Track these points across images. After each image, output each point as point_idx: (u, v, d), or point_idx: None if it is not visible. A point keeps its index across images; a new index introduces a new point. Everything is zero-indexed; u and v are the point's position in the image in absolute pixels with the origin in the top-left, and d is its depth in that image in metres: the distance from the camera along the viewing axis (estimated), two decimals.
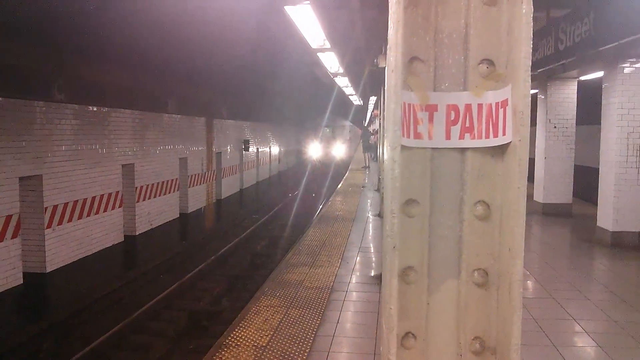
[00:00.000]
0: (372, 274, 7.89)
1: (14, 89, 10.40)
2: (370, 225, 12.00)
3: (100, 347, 8.90)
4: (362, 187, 19.82)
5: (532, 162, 14.52)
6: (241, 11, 6.51)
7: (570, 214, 13.07)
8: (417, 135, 1.65)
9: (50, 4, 7.70)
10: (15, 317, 10.37)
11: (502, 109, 1.61)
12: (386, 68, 1.69)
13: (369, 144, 30.28)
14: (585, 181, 13.32)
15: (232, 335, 5.32)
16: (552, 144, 13.10)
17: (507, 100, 1.61)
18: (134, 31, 10.12)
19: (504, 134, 1.61)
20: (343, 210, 14.21)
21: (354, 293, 6.98)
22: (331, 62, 9.94)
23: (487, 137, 1.64)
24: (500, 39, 1.61)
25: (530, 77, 1.54)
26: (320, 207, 18.12)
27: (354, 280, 7.55)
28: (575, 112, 13.08)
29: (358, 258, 8.85)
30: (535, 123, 13.83)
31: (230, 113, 24.86)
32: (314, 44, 7.57)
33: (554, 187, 13.15)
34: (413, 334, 1.71)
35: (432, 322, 1.71)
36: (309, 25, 6.45)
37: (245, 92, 24.34)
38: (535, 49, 9.77)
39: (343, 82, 17.70)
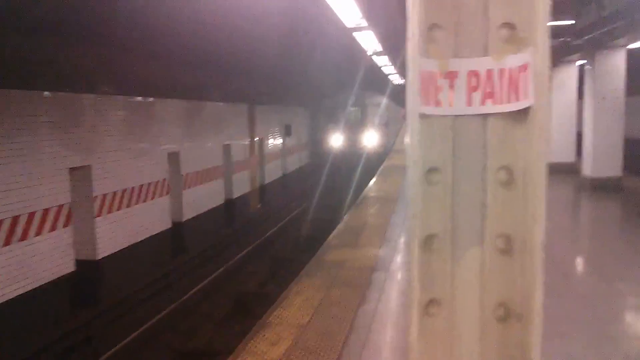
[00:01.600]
0: None
1: (62, 84, 10.79)
2: None
3: (151, 329, 9.24)
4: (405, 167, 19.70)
5: (580, 135, 14.05)
6: None
7: (621, 187, 12.61)
8: (438, 103, 1.65)
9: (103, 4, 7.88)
10: (69, 302, 10.87)
11: (524, 72, 1.59)
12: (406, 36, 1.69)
13: None
14: (636, 154, 12.81)
15: (274, 314, 5.44)
16: (601, 116, 12.63)
17: (528, 64, 1.58)
18: (177, 25, 10.32)
19: (525, 98, 1.59)
20: (385, 191, 14.16)
21: (395, 273, 6.98)
22: (368, 41, 9.86)
23: (509, 102, 1.62)
24: (521, 1, 1.59)
25: (549, 39, 1.51)
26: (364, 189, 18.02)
27: (395, 260, 7.55)
28: (625, 82, 12.56)
29: (401, 239, 8.83)
30: (582, 95, 13.36)
31: (271, 98, 25.05)
32: (349, 24, 7.55)
33: (602, 161, 12.69)
34: (437, 301, 1.73)
35: (456, 290, 1.72)
36: (344, 4, 6.44)
37: (285, 77, 24.45)
38: (578, 16, 9.40)
39: (382, 61, 17.51)
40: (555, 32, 12.14)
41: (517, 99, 1.61)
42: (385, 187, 14.85)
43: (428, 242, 1.70)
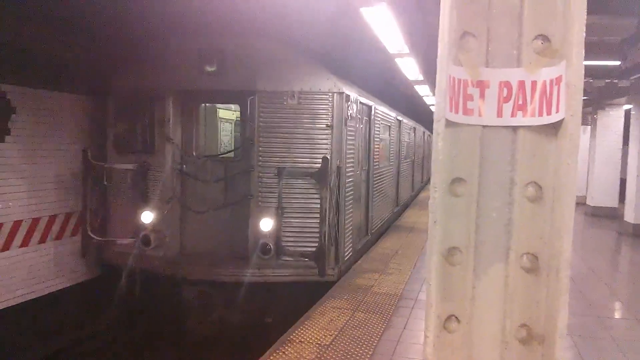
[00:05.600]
0: None
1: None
2: None
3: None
4: None
5: (623, 182, 13.64)
6: (316, 14, 6.66)
7: None
8: (467, 112, 1.61)
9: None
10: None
11: (557, 85, 1.55)
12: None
13: None
14: None
15: (295, 332, 5.37)
16: None
17: (561, 76, 1.54)
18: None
19: (557, 112, 1.55)
20: (419, 221, 13.99)
21: (423, 302, 6.83)
22: (410, 68, 9.85)
23: (541, 115, 1.57)
24: (556, 13, 1.55)
25: (583, 51, 1.47)
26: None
27: (424, 289, 7.39)
28: None
29: None
30: (628, 141, 13.01)
31: None
32: (392, 49, 7.56)
33: None
34: (457, 317, 1.67)
35: (477, 307, 1.66)
36: (386, 29, 6.47)
37: None
38: (624, 58, 9.18)
39: (423, 91, 17.41)
40: (601, 73, 11.88)
41: (549, 113, 1.57)
42: (420, 218, 14.67)
43: (449, 254, 1.65)
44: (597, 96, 15.02)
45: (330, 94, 7.11)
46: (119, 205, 7.67)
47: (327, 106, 7.11)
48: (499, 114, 1.60)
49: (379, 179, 10.99)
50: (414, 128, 18.60)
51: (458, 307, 1.65)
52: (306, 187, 7.04)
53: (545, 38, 1.57)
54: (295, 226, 7.14)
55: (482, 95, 1.60)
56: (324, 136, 7.11)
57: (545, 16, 1.57)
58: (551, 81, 1.55)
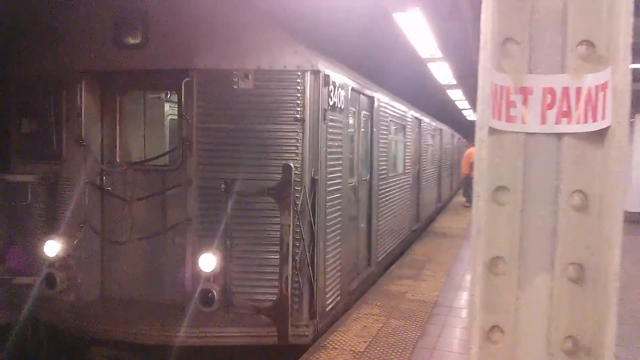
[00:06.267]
0: None
1: None
2: None
3: None
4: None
5: None
6: (352, 15, 6.53)
7: None
8: (510, 119, 1.59)
9: None
10: None
11: (602, 92, 1.52)
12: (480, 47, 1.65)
13: None
14: None
15: (330, 338, 5.37)
16: None
17: (607, 82, 1.51)
18: None
19: (603, 118, 1.51)
20: (453, 227, 13.83)
21: (459, 309, 6.74)
22: (443, 73, 9.78)
23: (586, 121, 1.54)
24: (601, 18, 1.52)
25: (630, 55, 1.44)
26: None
27: (459, 296, 7.30)
28: None
29: (466, 276, 8.55)
30: None
31: None
32: (424, 54, 7.52)
33: None
34: (500, 328, 1.64)
35: (521, 317, 1.63)
36: (419, 34, 6.41)
37: None
38: None
39: (456, 95, 17.28)
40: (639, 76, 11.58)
41: (595, 119, 1.54)
42: (452, 224, 14.51)
43: (493, 264, 1.63)
44: (634, 99, 14.62)
45: (299, 73, 5.00)
46: (19, 230, 5.75)
47: (296, 91, 5.03)
48: (543, 121, 1.58)
49: (388, 192, 8.63)
50: (441, 130, 16.05)
51: (502, 318, 1.63)
52: (266, 209, 4.99)
53: (589, 43, 1.54)
54: (250, 264, 5.07)
55: (525, 102, 1.58)
56: (292, 134, 5.06)
57: (590, 21, 1.54)
58: (597, 87, 1.52)
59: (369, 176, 7.45)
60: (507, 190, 1.59)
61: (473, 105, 23.93)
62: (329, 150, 5.55)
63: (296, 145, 5.05)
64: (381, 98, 7.83)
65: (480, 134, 1.56)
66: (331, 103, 5.50)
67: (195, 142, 5.07)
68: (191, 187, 5.08)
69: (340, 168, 5.98)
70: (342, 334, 5.54)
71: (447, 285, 7.84)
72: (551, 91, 1.56)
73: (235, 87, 5.00)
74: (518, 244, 1.62)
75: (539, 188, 1.60)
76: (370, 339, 5.41)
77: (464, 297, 7.29)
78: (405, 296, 7.12)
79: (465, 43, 8.93)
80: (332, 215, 5.83)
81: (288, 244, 4.71)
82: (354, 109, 6.53)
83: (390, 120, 8.55)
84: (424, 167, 12.51)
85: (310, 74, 5.04)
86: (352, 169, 6.70)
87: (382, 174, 8.03)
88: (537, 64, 1.58)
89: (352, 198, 6.73)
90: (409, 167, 10.39)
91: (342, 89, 5.89)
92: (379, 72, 8.74)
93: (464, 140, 23.56)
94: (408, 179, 10.32)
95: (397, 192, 9.31)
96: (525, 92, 1.57)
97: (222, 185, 4.84)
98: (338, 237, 6.06)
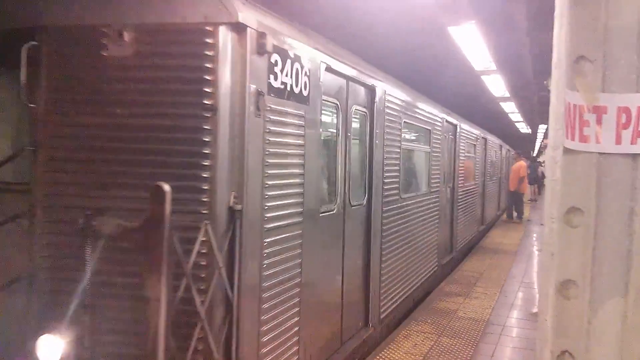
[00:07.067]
0: (534, 311, 7.35)
1: None
2: (535, 260, 11.22)
3: None
4: (528, 220, 18.58)
5: None
6: (404, 31, 6.44)
7: None
8: (583, 139, 1.55)
9: None
10: None
11: None
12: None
13: (536, 175, 28.53)
14: None
15: (381, 354, 5.32)
16: None
17: None
18: None
19: None
20: (504, 243, 13.50)
21: (512, 328, 6.55)
22: (496, 85, 9.60)
23: None
24: None
25: None
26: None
27: (513, 315, 7.10)
28: None
29: (520, 293, 8.32)
30: None
31: None
32: (477, 66, 7.43)
33: None
34: (570, 354, 1.59)
35: (593, 343, 1.58)
36: (473, 46, 6.32)
37: None
38: None
39: (509, 108, 16.95)
40: None
41: None
42: (504, 239, 14.16)
43: (564, 287, 1.58)
44: None
45: (208, 28, 3.03)
46: None
47: (201, 59, 3.04)
48: (618, 141, 1.53)
49: (400, 218, 6.36)
50: (485, 139, 13.58)
51: (572, 342, 1.58)
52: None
53: None
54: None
55: (599, 122, 1.54)
56: (196, 134, 3.06)
57: None
58: None
59: (365, 199, 5.33)
60: (580, 211, 1.54)
61: (525, 117, 23.38)
62: (272, 160, 3.47)
63: (203, 152, 3.06)
64: (389, 90, 5.78)
65: (554, 154, 1.53)
66: (276, 84, 3.47)
67: (42, 145, 3.19)
68: (34, 223, 3.18)
69: (298, 190, 3.84)
70: (393, 351, 5.49)
71: (499, 302, 7.65)
72: (626, 110, 1.51)
73: (104, 53, 3.11)
74: (590, 267, 1.57)
75: (613, 210, 1.55)
76: (421, 358, 5.33)
77: (515, 316, 7.09)
78: (457, 313, 6.99)
79: (520, 54, 8.78)
80: (278, 272, 3.60)
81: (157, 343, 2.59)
82: (334, 101, 4.57)
83: (406, 122, 6.44)
84: (461, 183, 10.40)
85: (229, 29, 3.07)
86: (329, 190, 4.63)
87: (389, 195, 5.90)
88: (611, 83, 1.53)
89: (329, 234, 4.54)
90: (437, 184, 8.28)
91: (304, 64, 3.83)
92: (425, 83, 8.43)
93: (513, 152, 22.63)
94: (436, 200, 8.22)
95: (416, 217, 7.09)
96: (599, 111, 1.53)
97: (80, 221, 2.97)
98: (295, 311, 3.84)
